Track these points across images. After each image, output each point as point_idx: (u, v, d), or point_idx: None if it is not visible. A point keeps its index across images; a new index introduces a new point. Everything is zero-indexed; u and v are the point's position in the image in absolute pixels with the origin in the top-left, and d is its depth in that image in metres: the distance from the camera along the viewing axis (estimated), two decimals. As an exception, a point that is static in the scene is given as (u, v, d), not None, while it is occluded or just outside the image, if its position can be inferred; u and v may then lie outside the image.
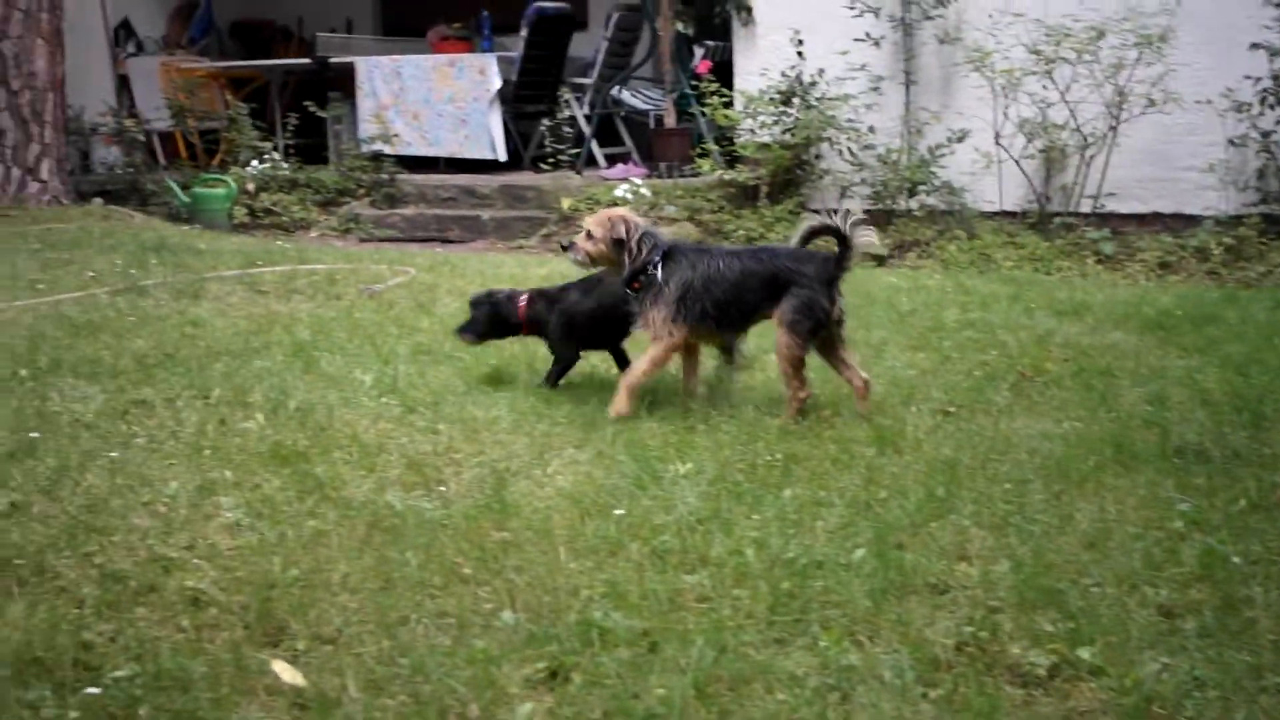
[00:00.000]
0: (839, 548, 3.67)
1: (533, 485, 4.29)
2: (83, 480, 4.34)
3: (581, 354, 5.74)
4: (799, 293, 5.02)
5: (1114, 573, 3.50)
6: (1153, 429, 4.82)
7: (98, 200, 12.54)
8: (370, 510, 4.04)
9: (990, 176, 10.29)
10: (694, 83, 11.97)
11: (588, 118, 12.76)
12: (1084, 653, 3.04)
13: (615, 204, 9.76)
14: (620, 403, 5.04)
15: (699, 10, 12.60)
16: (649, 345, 5.15)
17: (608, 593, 3.42)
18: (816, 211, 5.29)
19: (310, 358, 6.08)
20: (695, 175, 11.61)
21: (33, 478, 4.37)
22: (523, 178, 12.37)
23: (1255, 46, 9.34)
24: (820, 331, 5.08)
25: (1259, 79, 9.36)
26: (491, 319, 5.72)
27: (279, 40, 16.48)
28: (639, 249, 5.13)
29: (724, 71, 11.75)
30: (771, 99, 10.94)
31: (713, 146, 11.53)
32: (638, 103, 13.00)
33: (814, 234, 5.14)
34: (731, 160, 11.24)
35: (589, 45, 13.53)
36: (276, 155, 12.96)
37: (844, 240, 5.04)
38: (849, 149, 10.76)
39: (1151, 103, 9.70)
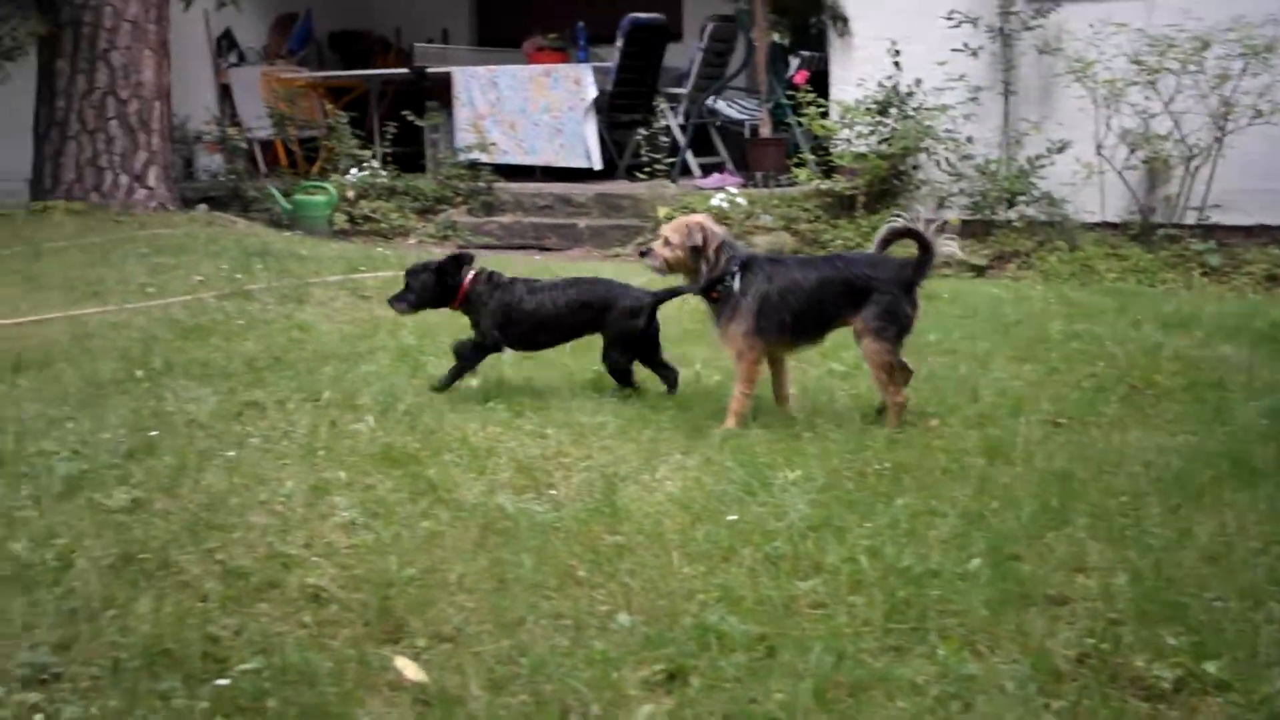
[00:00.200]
0: (954, 557, 3.65)
1: (642, 490, 4.31)
2: (201, 478, 4.43)
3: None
4: (880, 299, 5.01)
5: (1237, 588, 3.45)
6: (1270, 443, 4.73)
7: (202, 206, 12.78)
8: (482, 512, 4.08)
9: (1091, 187, 10.16)
10: (790, 93, 11.96)
11: (682, 127, 12.80)
12: (1210, 667, 3.00)
13: (711, 214, 9.76)
14: (730, 426, 5.03)
15: (794, 20, 12.59)
16: (735, 366, 5.12)
17: (722, 597, 3.42)
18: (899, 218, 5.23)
19: (416, 362, 6.15)
20: (791, 185, 11.60)
21: (153, 475, 4.47)
22: (618, 187, 12.43)
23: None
24: (905, 336, 5.07)
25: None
26: (431, 288, 5.70)
27: (377, 50, 16.70)
28: (716, 258, 5.11)
29: (819, 81, 11.73)
30: (868, 109, 10.91)
31: (809, 156, 11.50)
32: (733, 112, 13.01)
33: (895, 236, 5.13)
34: (828, 170, 11.21)
35: (684, 55, 13.58)
36: (375, 163, 13.12)
37: (925, 245, 5.02)
38: (947, 159, 10.70)
39: (1259, 114, 9.53)
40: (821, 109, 11.23)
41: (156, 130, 12.71)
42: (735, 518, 3.97)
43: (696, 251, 5.13)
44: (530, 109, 13.05)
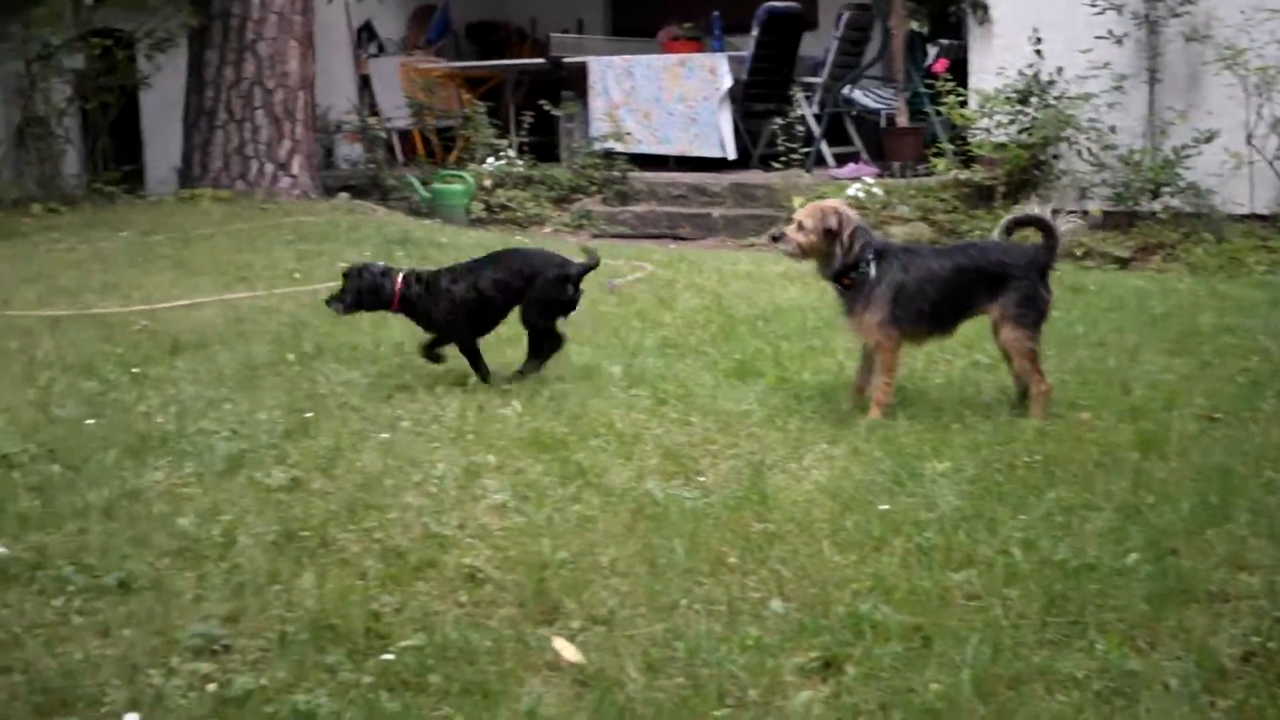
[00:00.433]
0: (1110, 552, 3.60)
1: (790, 479, 4.31)
2: (356, 459, 4.54)
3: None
4: (1018, 285, 4.96)
5: None
6: None
7: (343, 195, 13.03)
8: (632, 497, 4.12)
9: (1240, 178, 9.90)
10: (927, 81, 11.83)
11: (818, 117, 12.72)
12: (1384, 669, 2.93)
13: (846, 201, 9.70)
14: (875, 416, 5.00)
15: (932, 8, 12.44)
16: (876, 357, 5.09)
17: (874, 586, 3.42)
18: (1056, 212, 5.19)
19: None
20: (928, 175, 11.47)
21: (309, 455, 4.58)
22: (753, 176, 12.41)
23: None
24: (1043, 322, 5.02)
25: None
26: (365, 291, 5.69)
27: (513, 41, 16.85)
28: (851, 243, 5.06)
29: (957, 70, 11.58)
30: (1008, 98, 10.73)
31: (947, 146, 11.37)
32: (868, 101, 12.90)
33: (1017, 225, 5.08)
34: (966, 160, 11.06)
35: (819, 44, 13.48)
36: (511, 152, 13.25)
37: (1049, 231, 4.97)
38: (1089, 149, 10.49)
39: None
40: (960, 98, 11.08)
41: (300, 120, 12.99)
42: (887, 507, 3.96)
43: (830, 236, 5.09)
44: (665, 98, 13.08)
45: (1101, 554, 3.58)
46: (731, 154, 12.80)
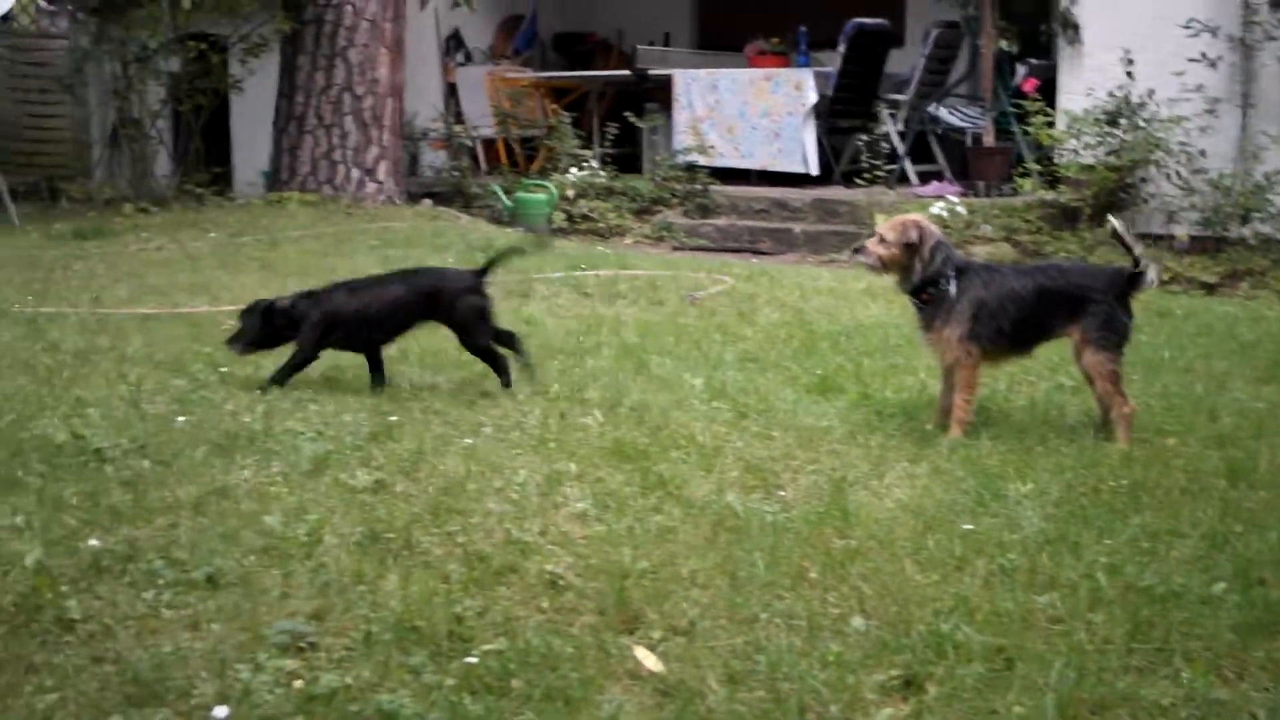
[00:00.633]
0: (1197, 579, 3.55)
1: (871, 496, 4.30)
2: (439, 463, 4.58)
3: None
4: (1097, 309, 4.94)
5: None
6: None
7: (426, 201, 13.17)
8: (713, 510, 4.13)
9: (1333, 206, 9.76)
10: (1015, 101, 11.75)
11: (902, 134, 12.68)
12: None
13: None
14: (956, 435, 4.98)
15: (1022, 28, 12.35)
16: (956, 375, 5.07)
17: (956, 606, 3.40)
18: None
19: (640, 360, 6.24)
20: (1013, 195, 11.39)
21: (393, 458, 4.63)
22: (835, 192, 12.38)
23: None
24: (1124, 345, 4.98)
25: None
26: (260, 329, 5.70)
27: (599, 52, 16.93)
28: (932, 258, 5.04)
29: (1046, 89, 11.49)
30: (1097, 119, 10.64)
31: (1034, 166, 11.28)
32: (954, 120, 12.84)
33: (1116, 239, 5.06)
34: (1052, 181, 10.97)
35: (906, 62, 13.44)
36: (594, 163, 13.31)
37: (1135, 261, 4.94)
38: (1178, 173, 10.38)
39: None
40: (1048, 118, 11.00)
41: (388, 126, 13.15)
42: (970, 527, 3.93)
43: (911, 250, 5.07)
44: (749, 112, 13.08)
45: (1188, 582, 3.54)
46: (815, 170, 12.78)
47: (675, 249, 11.85)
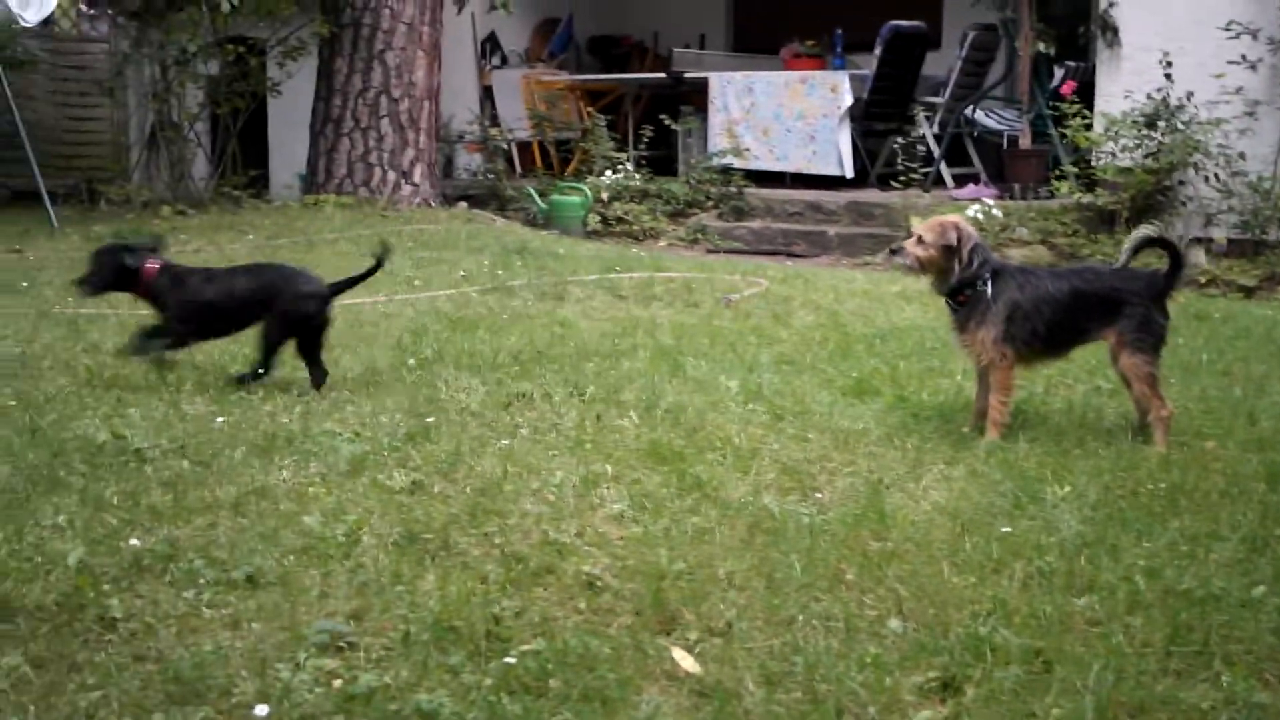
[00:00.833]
0: (1237, 583, 3.53)
1: (907, 498, 4.29)
2: (476, 465, 4.59)
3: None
4: (1133, 311, 4.91)
5: None
6: None
7: (462, 204, 13.22)
8: (749, 511, 4.13)
9: (1374, 209, 9.67)
10: (1052, 103, 11.71)
11: (938, 137, 12.64)
12: None
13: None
14: (992, 437, 4.96)
15: (1060, 30, 12.30)
16: (990, 377, 5.04)
17: (994, 609, 3.39)
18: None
19: (675, 362, 6.24)
20: (1049, 198, 11.34)
21: (430, 459, 4.65)
22: (870, 195, 12.36)
23: None
24: (1161, 348, 4.96)
25: None
26: (112, 271, 5.70)
27: (634, 55, 16.96)
28: (970, 259, 5.02)
29: (1083, 92, 11.44)
30: (1134, 121, 10.59)
31: (1070, 169, 11.23)
32: (991, 122, 12.80)
33: (1145, 245, 4.99)
34: (1089, 184, 10.92)
35: (942, 64, 13.41)
36: (629, 166, 13.33)
37: (1176, 255, 4.89)
38: (1216, 175, 10.32)
39: None
40: (1085, 120, 10.95)
41: (424, 129, 13.21)
42: (1007, 530, 3.92)
43: (950, 251, 5.05)
44: (784, 115, 13.08)
45: (1228, 585, 3.52)
46: (850, 172, 12.77)
47: (710, 252, 11.86)
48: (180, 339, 5.85)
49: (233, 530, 3.93)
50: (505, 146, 14.43)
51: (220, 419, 5.17)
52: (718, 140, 13.30)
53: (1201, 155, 10.29)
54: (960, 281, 5.05)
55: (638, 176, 13.15)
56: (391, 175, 13.07)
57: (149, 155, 14.40)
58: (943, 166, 12.56)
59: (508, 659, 3.10)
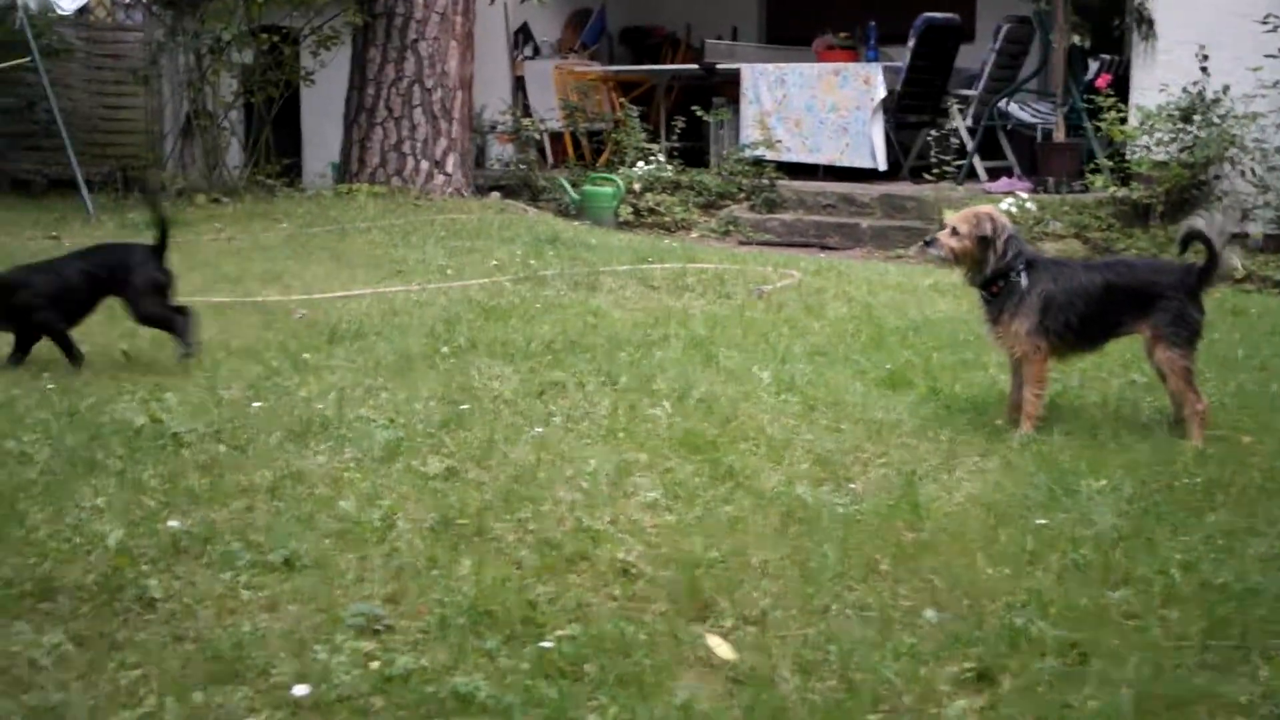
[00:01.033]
0: (1275, 578, 3.52)
1: (941, 490, 4.29)
2: (509, 452, 4.61)
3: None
4: (1168, 305, 4.88)
5: None
6: None
7: (494, 194, 13.24)
8: (783, 501, 4.13)
9: None
10: (1086, 96, 11.64)
11: (971, 130, 12.58)
12: None
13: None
14: (1026, 430, 4.94)
15: (1095, 22, 12.22)
16: (1024, 369, 5.02)
17: (1029, 601, 3.38)
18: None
19: (708, 352, 6.24)
20: (1084, 191, 11.28)
21: (464, 446, 4.67)
22: (902, 188, 12.32)
23: None
24: (1197, 341, 4.92)
25: None
26: None
27: (666, 46, 16.94)
28: (1004, 250, 5.00)
29: (1118, 85, 11.37)
30: (1170, 115, 10.52)
31: (1105, 162, 11.16)
32: (1024, 115, 12.73)
33: (1193, 238, 4.95)
34: (1124, 177, 10.85)
35: (975, 57, 13.34)
36: (661, 157, 13.32)
37: (1212, 253, 4.86)
38: (1253, 170, 10.24)
39: None
40: (1120, 114, 10.89)
41: (457, 119, 13.24)
42: (1043, 522, 3.91)
43: (984, 242, 5.03)
44: (817, 107, 13.05)
45: (1266, 579, 3.50)
46: (882, 165, 12.73)
47: (741, 243, 11.85)
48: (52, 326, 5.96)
49: (269, 514, 3.96)
50: (537, 137, 14.44)
51: (256, 404, 5.21)
52: (750, 132, 13.28)
53: (1238, 149, 10.22)
54: (994, 273, 5.03)
55: (670, 168, 13.14)
56: (424, 165, 13.11)
57: (183, 144, 14.47)
58: (976, 159, 12.50)
59: (543, 643, 3.12)
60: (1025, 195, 11.00)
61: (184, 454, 4.52)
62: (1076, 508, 4.07)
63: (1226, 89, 10.28)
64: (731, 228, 12.23)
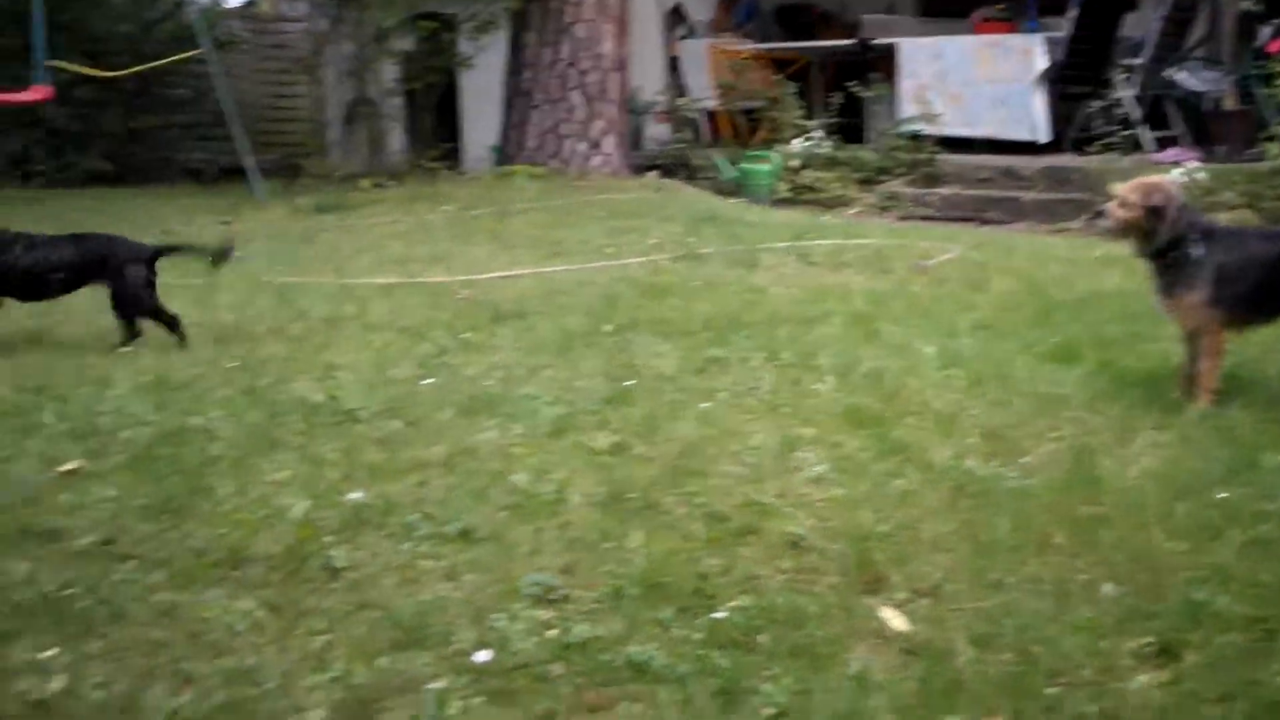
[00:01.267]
0: None
1: (1116, 463, 4.20)
2: (674, 428, 4.64)
3: None
4: None
5: None
6: None
7: (652, 173, 13.29)
8: (952, 475, 4.09)
9: None
10: (1258, 63, 11.26)
11: (1138, 99, 12.25)
12: None
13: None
14: (1204, 403, 4.81)
15: (1268, -14, 11.81)
16: (1199, 342, 4.87)
17: (1211, 576, 3.30)
18: None
19: (870, 328, 6.20)
20: (1257, 160, 10.91)
21: (629, 422, 4.72)
22: (1065, 160, 12.05)
23: None
24: None
25: None
26: None
27: (820, 23, 16.79)
28: (1176, 221, 4.83)
29: (1291, 50, 10.98)
30: (1347, 79, 10.14)
31: (1279, 130, 10.78)
32: (1193, 84, 12.35)
33: None
34: (1300, 145, 10.47)
35: (1140, 25, 12.98)
36: (818, 134, 13.23)
37: None
38: None
39: None
40: (1294, 80, 10.51)
41: (613, 100, 13.33)
42: (1224, 496, 3.82)
43: (1155, 213, 4.87)
44: (976, 80, 12.84)
45: None
46: (1044, 137, 12.47)
47: (900, 219, 11.72)
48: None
49: (444, 487, 4.05)
50: (693, 116, 14.45)
51: (426, 381, 5.32)
52: (907, 106, 13.12)
53: None
54: (1165, 243, 4.89)
55: (827, 144, 13.05)
56: (582, 146, 13.23)
57: (347, 131, 14.81)
58: (1143, 129, 12.18)
59: (716, 614, 3.15)
60: (1195, 165, 10.68)
61: (360, 429, 4.65)
62: (1257, 482, 3.96)
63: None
64: (891, 203, 12.11)
